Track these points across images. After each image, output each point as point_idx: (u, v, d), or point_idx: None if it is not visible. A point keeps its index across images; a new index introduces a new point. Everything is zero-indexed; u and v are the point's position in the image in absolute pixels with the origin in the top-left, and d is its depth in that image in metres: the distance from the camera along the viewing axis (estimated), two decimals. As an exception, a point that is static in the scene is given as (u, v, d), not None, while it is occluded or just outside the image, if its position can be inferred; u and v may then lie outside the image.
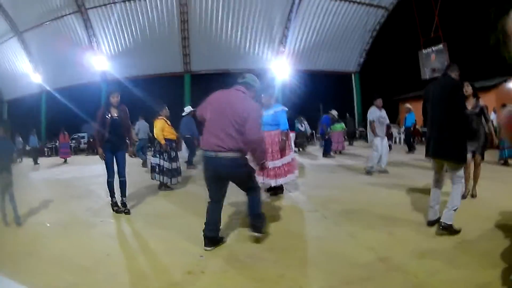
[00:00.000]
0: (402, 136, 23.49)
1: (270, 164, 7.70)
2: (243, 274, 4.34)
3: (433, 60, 27.28)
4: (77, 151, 31.97)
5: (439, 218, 5.49)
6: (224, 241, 5.37)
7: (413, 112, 19.03)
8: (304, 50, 33.34)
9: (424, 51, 28.08)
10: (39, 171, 18.89)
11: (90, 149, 30.01)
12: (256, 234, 5.29)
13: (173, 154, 10.18)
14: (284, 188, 8.73)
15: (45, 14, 30.32)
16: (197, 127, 14.26)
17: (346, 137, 23.53)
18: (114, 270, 4.62)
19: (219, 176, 5.15)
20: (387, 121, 11.96)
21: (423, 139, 18.58)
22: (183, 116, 14.50)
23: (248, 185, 5.33)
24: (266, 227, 5.47)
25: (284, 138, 8.12)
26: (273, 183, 8.05)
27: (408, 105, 19.98)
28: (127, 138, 7.89)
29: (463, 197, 7.05)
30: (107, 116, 7.39)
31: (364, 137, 27.35)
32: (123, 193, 7.68)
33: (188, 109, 14.61)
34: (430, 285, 3.92)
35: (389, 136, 15.92)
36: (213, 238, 5.18)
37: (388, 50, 31.06)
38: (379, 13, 32.70)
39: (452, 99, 5.34)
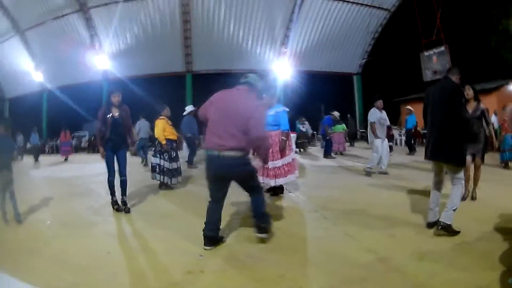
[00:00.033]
0: (403, 138, 23.49)
1: (270, 164, 7.72)
2: (243, 274, 4.34)
3: (435, 62, 27.35)
4: (78, 149, 31.97)
5: (439, 220, 5.50)
6: (224, 240, 5.37)
7: (414, 114, 19.06)
8: (305, 51, 33.38)
9: (425, 53, 28.17)
10: (39, 169, 18.93)
11: (91, 148, 30.03)
12: (262, 235, 5.28)
13: (173, 154, 10.20)
14: (284, 188, 8.73)
15: (47, 13, 30.43)
16: (198, 126, 14.30)
17: (347, 138, 23.57)
18: (114, 269, 4.62)
19: (221, 175, 5.15)
20: (388, 122, 11.97)
21: (424, 140, 18.63)
22: (184, 115, 14.52)
23: (250, 185, 5.32)
24: (271, 227, 5.45)
25: (285, 138, 8.12)
26: (272, 183, 8.05)
27: (409, 107, 20.01)
28: (128, 137, 7.89)
29: (463, 198, 7.08)
30: (108, 116, 7.39)
31: (365, 138, 27.39)
32: (123, 192, 7.69)
33: (189, 108, 14.63)
34: (429, 286, 3.92)
35: (390, 137, 15.92)
36: (213, 238, 5.17)
37: (389, 52, 31.04)
38: (381, 15, 32.79)
39: (451, 102, 5.36)
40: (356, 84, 36.99)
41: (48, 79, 33.98)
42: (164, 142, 9.94)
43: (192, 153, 15.01)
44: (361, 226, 6.01)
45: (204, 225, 5.19)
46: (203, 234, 5.15)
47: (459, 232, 5.34)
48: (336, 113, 19.37)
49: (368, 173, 11.36)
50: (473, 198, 7.65)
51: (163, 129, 9.99)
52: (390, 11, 32.41)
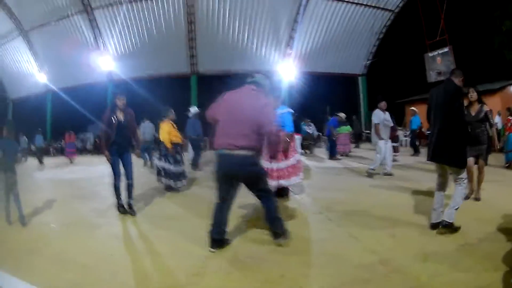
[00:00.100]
0: (408, 139, 23.46)
1: (273, 165, 7.74)
2: (247, 276, 4.37)
3: (439, 63, 27.29)
4: (83, 151, 32.01)
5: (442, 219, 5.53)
6: (229, 243, 5.37)
7: (418, 115, 19.06)
8: (310, 52, 33.29)
9: (430, 54, 28.09)
10: (44, 171, 18.95)
11: (96, 149, 30.03)
12: (280, 241, 5.22)
13: (178, 157, 10.22)
14: (289, 190, 8.74)
15: (51, 13, 30.44)
16: (203, 128, 14.29)
17: (353, 139, 23.57)
18: (117, 269, 4.67)
19: (231, 174, 5.15)
20: (391, 123, 11.94)
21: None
22: (189, 117, 14.52)
23: (260, 187, 5.30)
24: (287, 231, 5.37)
25: (288, 139, 8.12)
26: (275, 184, 8.06)
27: (413, 108, 20.02)
28: (133, 140, 7.91)
29: (467, 197, 7.14)
30: (113, 119, 7.40)
31: (370, 139, 27.37)
32: (130, 195, 7.68)
33: (194, 110, 14.62)
34: (431, 287, 3.96)
35: (395, 138, 15.90)
36: (219, 240, 5.19)
37: (394, 53, 30.99)
38: (385, 16, 32.71)
39: (452, 104, 5.39)
40: (361, 85, 36.87)
41: (52, 80, 33.92)
42: (170, 145, 9.94)
43: (197, 155, 14.89)
44: (365, 228, 6.03)
45: (210, 227, 5.19)
46: (209, 236, 5.16)
47: (459, 227, 5.43)
48: (342, 115, 19.44)
49: (369, 175, 11.35)
50: (477, 199, 7.68)
51: (168, 132, 9.99)
52: (394, 12, 32.35)
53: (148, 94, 25.41)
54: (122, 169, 7.60)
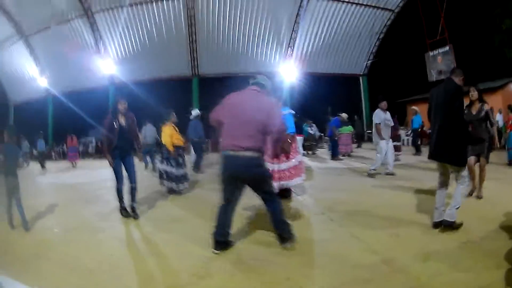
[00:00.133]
0: (410, 138, 23.46)
1: (275, 166, 7.76)
2: (251, 278, 4.38)
3: (440, 62, 27.26)
4: (85, 155, 32.02)
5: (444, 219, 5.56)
6: (233, 244, 5.36)
7: (420, 114, 19.05)
8: (311, 53, 33.32)
9: (430, 53, 28.07)
10: (46, 175, 18.99)
11: (98, 153, 30.02)
12: (287, 246, 5.18)
13: (180, 160, 10.23)
14: (292, 191, 8.75)
15: (51, 18, 30.47)
16: (205, 130, 14.30)
17: (355, 139, 23.57)
18: (121, 272, 4.69)
19: (237, 176, 5.13)
20: (392, 123, 11.93)
21: (430, 140, 18.61)
22: (191, 119, 14.53)
23: (265, 190, 5.27)
24: (293, 234, 5.31)
25: (289, 140, 8.13)
26: (278, 186, 8.06)
27: (414, 107, 20.03)
28: (135, 144, 7.93)
29: (469, 194, 7.18)
30: (115, 124, 7.42)
31: (372, 139, 27.37)
32: (133, 199, 7.67)
33: (195, 112, 14.61)
34: (432, 286, 3.97)
35: (397, 138, 15.90)
36: (222, 242, 5.18)
37: (395, 52, 31.02)
38: (385, 16, 32.72)
39: (452, 103, 5.42)
40: (362, 85, 36.86)
41: (53, 84, 34.06)
42: (172, 148, 9.93)
43: (199, 158, 14.85)
44: (367, 228, 6.04)
45: (213, 228, 5.19)
46: (213, 238, 5.16)
47: (462, 224, 5.48)
48: (344, 115, 19.43)
49: (370, 175, 11.36)
50: (479, 197, 7.68)
51: (170, 135, 9.99)
52: (395, 12, 32.34)
53: (150, 97, 25.44)
54: (124, 173, 7.61)
